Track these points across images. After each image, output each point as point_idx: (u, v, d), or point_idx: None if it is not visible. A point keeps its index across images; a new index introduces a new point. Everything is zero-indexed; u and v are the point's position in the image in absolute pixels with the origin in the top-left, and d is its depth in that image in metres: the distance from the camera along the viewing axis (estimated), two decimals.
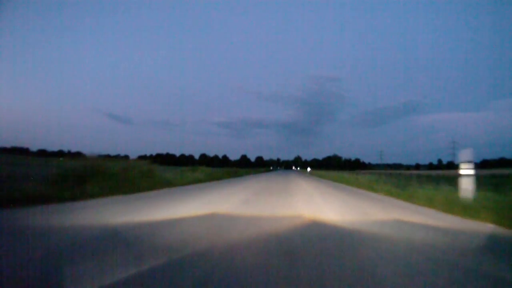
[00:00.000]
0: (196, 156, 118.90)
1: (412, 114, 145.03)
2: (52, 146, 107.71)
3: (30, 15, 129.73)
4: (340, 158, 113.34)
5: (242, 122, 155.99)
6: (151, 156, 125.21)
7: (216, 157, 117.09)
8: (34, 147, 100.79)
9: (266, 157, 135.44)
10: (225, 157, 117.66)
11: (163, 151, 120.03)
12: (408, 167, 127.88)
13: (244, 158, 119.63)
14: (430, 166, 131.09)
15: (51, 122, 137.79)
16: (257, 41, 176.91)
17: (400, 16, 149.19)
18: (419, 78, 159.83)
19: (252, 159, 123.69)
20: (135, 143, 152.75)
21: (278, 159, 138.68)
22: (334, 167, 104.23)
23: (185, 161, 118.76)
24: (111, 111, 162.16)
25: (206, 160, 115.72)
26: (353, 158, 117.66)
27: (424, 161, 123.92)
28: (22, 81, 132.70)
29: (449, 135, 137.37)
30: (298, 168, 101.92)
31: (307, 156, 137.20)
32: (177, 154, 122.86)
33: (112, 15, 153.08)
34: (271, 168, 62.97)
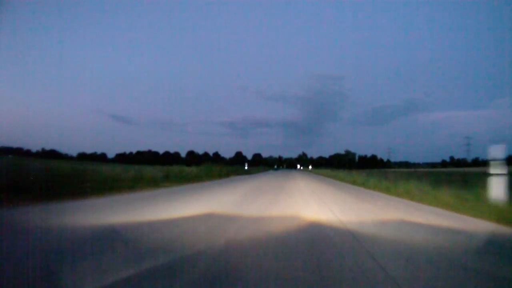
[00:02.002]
0: (183, 154, 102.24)
1: (416, 112, 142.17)
2: (56, 147, 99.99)
3: (31, 16, 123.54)
4: (353, 154, 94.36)
5: (245, 122, 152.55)
6: (130, 154, 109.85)
7: (206, 154, 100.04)
8: (36, 148, 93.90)
9: (266, 154, 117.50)
10: (216, 154, 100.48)
11: (164, 151, 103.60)
12: (434, 165, 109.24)
13: (239, 156, 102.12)
14: (458, 163, 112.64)
15: (54, 123, 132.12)
16: (259, 41, 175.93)
17: (402, 14, 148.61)
18: (422, 76, 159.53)
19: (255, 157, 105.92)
20: (137, 143, 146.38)
21: (280, 157, 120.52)
22: (345, 166, 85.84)
23: (170, 159, 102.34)
24: (113, 112, 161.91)
25: (195, 158, 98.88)
26: (368, 155, 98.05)
27: (432, 158, 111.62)
28: (23, 83, 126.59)
29: (455, 132, 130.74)
30: (310, 168, 79.66)
31: (311, 154, 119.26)
32: (170, 152, 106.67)
33: (114, 16, 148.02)
34: (246, 168, 33.81)
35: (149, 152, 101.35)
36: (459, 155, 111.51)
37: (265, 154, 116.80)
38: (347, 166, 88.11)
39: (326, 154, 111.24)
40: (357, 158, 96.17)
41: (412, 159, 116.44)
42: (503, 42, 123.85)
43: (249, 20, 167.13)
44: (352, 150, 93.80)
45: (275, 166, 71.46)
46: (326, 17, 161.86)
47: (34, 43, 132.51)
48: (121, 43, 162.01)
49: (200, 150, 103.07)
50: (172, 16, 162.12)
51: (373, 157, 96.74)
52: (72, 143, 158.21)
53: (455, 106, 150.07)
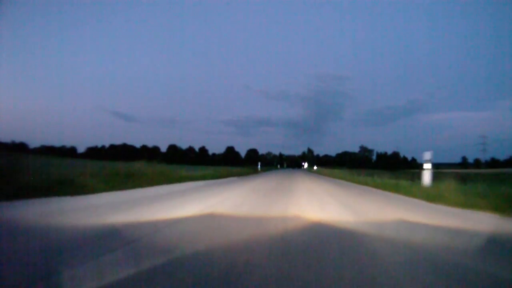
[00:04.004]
0: (163, 148, 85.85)
1: (421, 112, 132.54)
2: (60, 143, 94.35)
3: (32, 13, 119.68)
4: (370, 152, 76.51)
5: (248, 120, 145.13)
6: (103, 147, 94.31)
7: (191, 149, 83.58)
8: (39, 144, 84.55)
9: (264, 152, 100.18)
10: (203, 149, 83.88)
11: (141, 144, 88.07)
12: (466, 165, 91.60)
13: (230, 152, 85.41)
14: (491, 164, 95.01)
15: (57, 120, 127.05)
16: (263, 40, 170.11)
17: (406, 14, 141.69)
18: (425, 77, 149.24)
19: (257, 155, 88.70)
20: (138, 140, 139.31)
21: (281, 154, 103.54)
22: (360, 166, 68.84)
23: (148, 154, 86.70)
24: (115, 109, 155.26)
25: (178, 154, 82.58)
26: (389, 152, 79.98)
27: (438, 159, 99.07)
28: (25, 81, 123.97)
29: (463, 133, 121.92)
30: (332, 169, 56.66)
31: (316, 152, 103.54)
32: (148, 145, 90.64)
33: (117, 13, 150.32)
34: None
35: (124, 146, 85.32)
36: (470, 155, 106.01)
37: (267, 152, 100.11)
38: (362, 165, 70.77)
39: (330, 153, 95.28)
40: (374, 156, 78.50)
41: (418, 160, 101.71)
42: (509, 43, 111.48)
43: (253, 19, 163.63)
44: (354, 150, 76.71)
45: (259, 165, 31.74)
46: (329, 16, 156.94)
47: (35, 40, 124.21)
48: (123, 41, 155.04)
49: (203, 147, 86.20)
50: (176, 14, 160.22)
51: (395, 154, 78.58)
52: (72, 139, 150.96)
53: (461, 106, 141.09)
